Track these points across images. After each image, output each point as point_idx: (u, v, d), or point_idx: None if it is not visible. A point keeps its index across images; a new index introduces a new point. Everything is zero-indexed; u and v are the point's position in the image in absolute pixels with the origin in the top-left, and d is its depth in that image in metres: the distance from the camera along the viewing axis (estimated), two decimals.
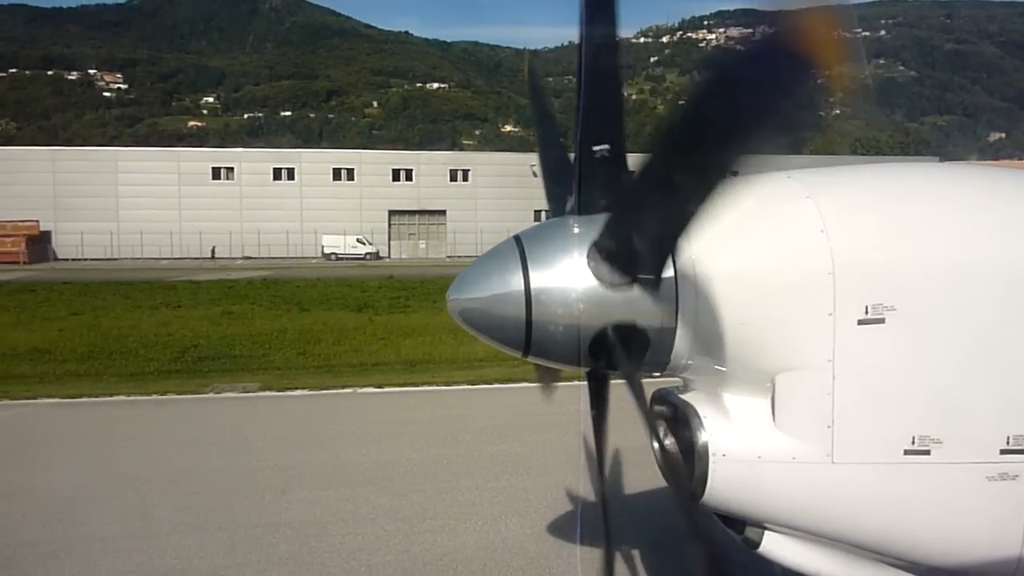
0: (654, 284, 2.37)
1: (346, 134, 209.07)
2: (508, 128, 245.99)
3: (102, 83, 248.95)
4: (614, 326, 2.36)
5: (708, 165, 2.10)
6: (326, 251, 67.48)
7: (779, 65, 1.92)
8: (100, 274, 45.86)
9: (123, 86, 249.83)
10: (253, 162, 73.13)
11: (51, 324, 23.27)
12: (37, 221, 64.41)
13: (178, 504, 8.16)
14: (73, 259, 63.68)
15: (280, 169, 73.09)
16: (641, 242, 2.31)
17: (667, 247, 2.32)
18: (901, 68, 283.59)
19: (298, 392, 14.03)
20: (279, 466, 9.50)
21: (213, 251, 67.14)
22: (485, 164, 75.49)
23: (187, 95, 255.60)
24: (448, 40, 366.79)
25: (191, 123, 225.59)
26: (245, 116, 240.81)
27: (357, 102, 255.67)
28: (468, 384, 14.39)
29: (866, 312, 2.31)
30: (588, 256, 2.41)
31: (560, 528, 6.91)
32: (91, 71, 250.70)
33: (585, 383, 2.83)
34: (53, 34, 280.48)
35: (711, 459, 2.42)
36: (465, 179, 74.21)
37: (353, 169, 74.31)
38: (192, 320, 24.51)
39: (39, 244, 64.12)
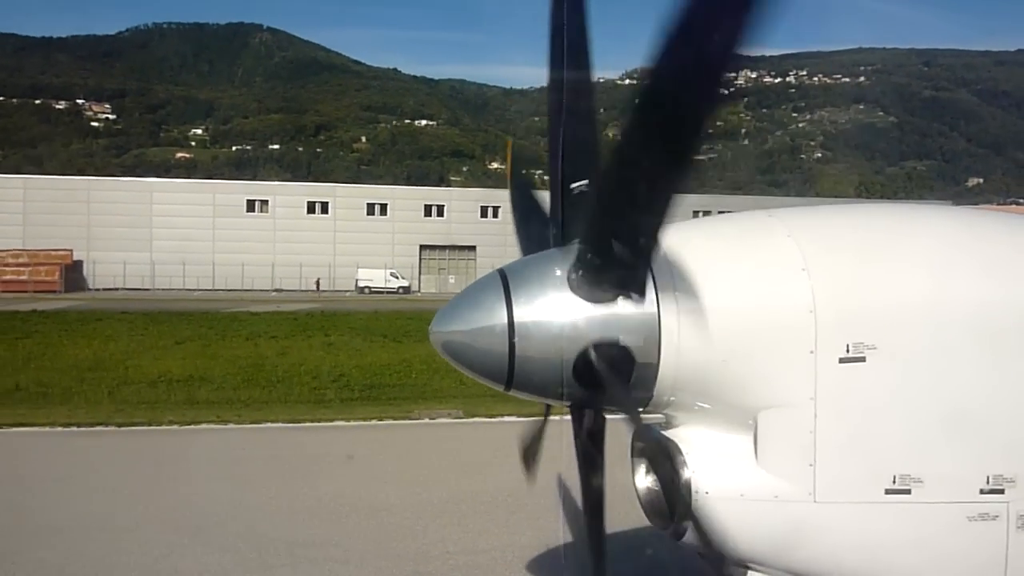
0: (634, 300, 2.37)
1: (334, 168, 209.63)
2: (495, 165, 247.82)
3: (90, 113, 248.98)
4: (596, 344, 2.34)
5: (648, 181, 2.11)
6: (360, 284, 67.79)
7: (690, 80, 1.90)
8: (142, 304, 45.82)
9: (111, 116, 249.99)
10: (288, 195, 74.26)
11: (171, 352, 23.69)
12: (71, 251, 64.63)
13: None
14: (106, 288, 63.79)
15: (314, 203, 74.14)
16: (610, 256, 2.30)
17: (636, 257, 2.30)
18: (880, 114, 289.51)
19: (509, 418, 13.63)
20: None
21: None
22: None
23: (175, 126, 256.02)
24: (435, 78, 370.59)
25: (179, 154, 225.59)
26: (233, 148, 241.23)
27: (345, 137, 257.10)
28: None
29: (847, 351, 2.31)
30: (568, 279, 2.40)
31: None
32: (79, 101, 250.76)
33: (569, 417, 2.80)
34: (42, 63, 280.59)
35: (694, 497, 2.41)
36: (495, 215, 74.32)
37: (386, 204, 75.58)
38: (304, 350, 24.78)
39: (73, 273, 64.29)
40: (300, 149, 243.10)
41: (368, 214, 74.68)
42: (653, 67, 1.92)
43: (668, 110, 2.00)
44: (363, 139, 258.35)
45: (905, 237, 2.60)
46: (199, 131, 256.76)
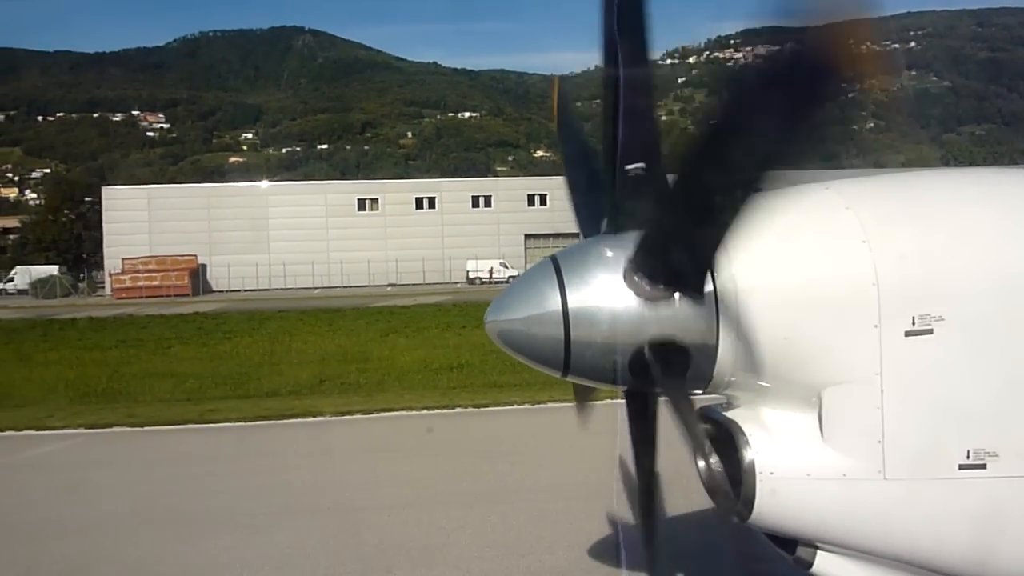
0: (693, 298, 2.36)
1: (382, 165, 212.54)
2: (540, 153, 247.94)
3: (145, 123, 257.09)
4: (653, 342, 2.35)
5: (738, 179, 2.12)
6: (470, 276, 69.21)
7: (807, 77, 1.90)
8: (277, 303, 46.28)
9: (165, 125, 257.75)
10: (396, 192, 76.34)
11: (398, 344, 23.17)
12: (195, 256, 67.70)
13: None
14: (226, 290, 66.25)
15: (422, 199, 76.15)
16: (676, 255, 2.33)
17: (702, 260, 2.31)
18: (934, 79, 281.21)
19: None
20: None
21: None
22: None
23: (226, 132, 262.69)
24: (476, 69, 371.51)
25: (231, 159, 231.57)
26: (283, 150, 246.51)
27: (391, 133, 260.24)
28: None
29: (913, 323, 2.25)
30: (624, 272, 2.41)
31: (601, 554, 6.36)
32: (134, 112, 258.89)
33: (624, 402, 2.80)
34: (97, 77, 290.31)
35: (758, 477, 2.37)
36: None
37: (490, 196, 77.38)
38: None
39: (197, 277, 67.31)
40: (348, 148, 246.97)
41: (473, 206, 76.52)
42: (757, 67, 2.00)
43: (763, 117, 2.00)
44: (408, 134, 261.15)
45: (968, 203, 2.52)
46: (249, 135, 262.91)
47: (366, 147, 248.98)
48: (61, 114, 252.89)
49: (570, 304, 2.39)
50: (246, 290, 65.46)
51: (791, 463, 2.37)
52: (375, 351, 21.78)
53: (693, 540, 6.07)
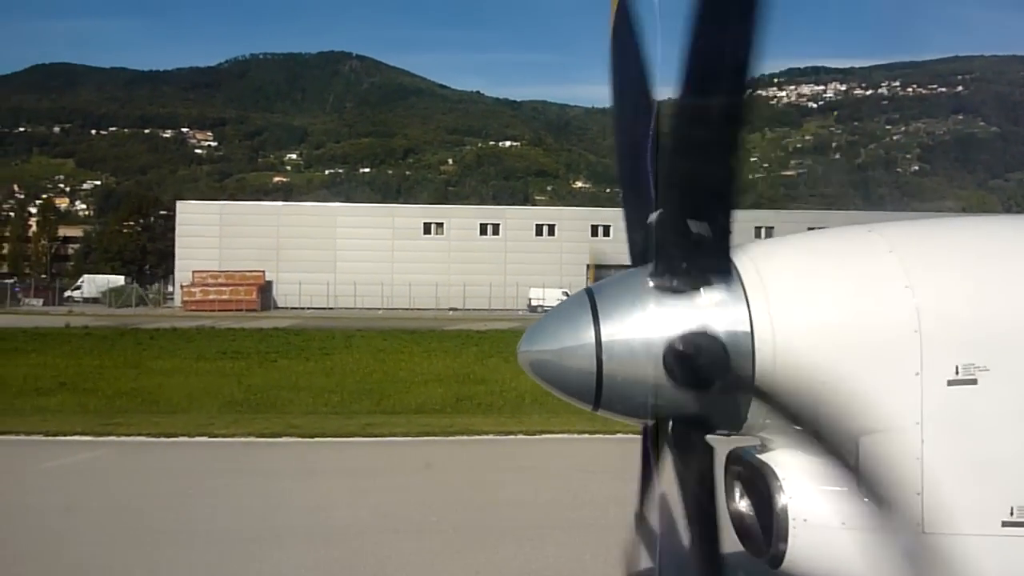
0: (724, 310, 2.30)
1: (423, 190, 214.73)
2: (579, 184, 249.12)
3: (194, 140, 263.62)
4: (685, 370, 2.29)
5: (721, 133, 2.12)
6: (532, 303, 68.85)
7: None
8: (344, 323, 46.71)
9: (213, 143, 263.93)
10: (461, 218, 77.32)
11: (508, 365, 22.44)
12: (263, 271, 68.94)
13: None
14: (292, 307, 67.21)
15: (486, 224, 77.06)
16: (692, 236, 2.27)
17: (719, 233, 2.25)
18: (982, 124, 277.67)
19: None
20: None
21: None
22: None
23: (272, 152, 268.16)
24: (517, 100, 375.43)
25: (276, 178, 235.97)
26: (326, 172, 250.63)
27: (433, 159, 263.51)
28: None
29: (957, 372, 2.19)
30: (651, 274, 2.40)
31: None
32: (184, 129, 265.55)
33: (658, 435, 2.65)
34: (150, 95, 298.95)
35: (791, 524, 2.30)
36: None
37: (554, 225, 78.05)
38: None
39: (265, 293, 68.69)
40: (390, 172, 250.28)
41: (536, 235, 77.14)
42: (684, 62, 2.02)
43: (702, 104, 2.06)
44: (449, 161, 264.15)
45: (1016, 251, 2.45)
46: (294, 156, 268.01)
47: (407, 172, 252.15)
48: (114, 129, 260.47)
49: (603, 337, 2.37)
50: (312, 308, 66.25)
51: (825, 511, 2.31)
52: (484, 373, 21.96)
53: None
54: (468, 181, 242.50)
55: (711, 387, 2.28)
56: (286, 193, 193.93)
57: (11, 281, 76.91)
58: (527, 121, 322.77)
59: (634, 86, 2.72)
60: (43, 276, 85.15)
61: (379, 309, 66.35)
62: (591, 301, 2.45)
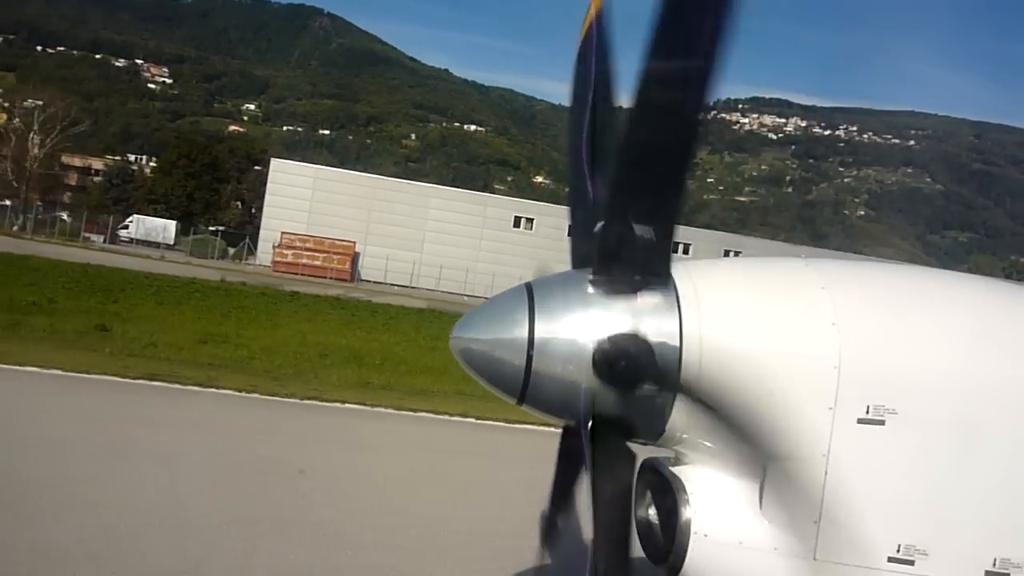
0: (656, 318, 2.34)
1: (382, 162, 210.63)
2: (540, 179, 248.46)
3: (148, 74, 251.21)
4: (612, 372, 2.32)
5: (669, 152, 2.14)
6: None
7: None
8: (439, 304, 46.31)
9: (168, 80, 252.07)
10: (552, 216, 75.75)
11: None
12: (354, 242, 67.19)
13: None
14: (375, 281, 65.53)
15: None
16: (627, 242, 2.29)
17: (652, 262, 2.32)
18: (928, 180, 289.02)
19: None
20: None
21: None
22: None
23: (229, 99, 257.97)
24: (485, 84, 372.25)
25: (232, 127, 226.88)
26: (284, 128, 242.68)
27: (395, 132, 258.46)
28: None
29: (867, 412, 2.26)
30: (590, 277, 2.40)
31: None
32: (138, 60, 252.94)
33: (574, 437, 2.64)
34: (104, 18, 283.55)
35: (692, 537, 2.36)
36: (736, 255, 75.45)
37: None
38: None
39: (354, 264, 67.31)
40: (350, 138, 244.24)
41: None
42: (644, 64, 2.01)
43: (656, 111, 2.08)
44: (412, 136, 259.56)
45: (941, 305, 2.51)
46: (252, 107, 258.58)
47: (368, 140, 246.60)
48: (62, 48, 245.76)
49: (537, 333, 2.40)
50: (396, 284, 65.08)
51: (726, 529, 2.40)
52: None
53: None
54: (430, 160, 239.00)
55: (636, 389, 2.33)
56: (241, 143, 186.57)
57: (64, 213, 75.04)
58: (493, 107, 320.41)
59: (593, 93, 2.71)
60: (38, 204, 78.45)
61: (463, 295, 64.99)
62: (529, 296, 2.47)
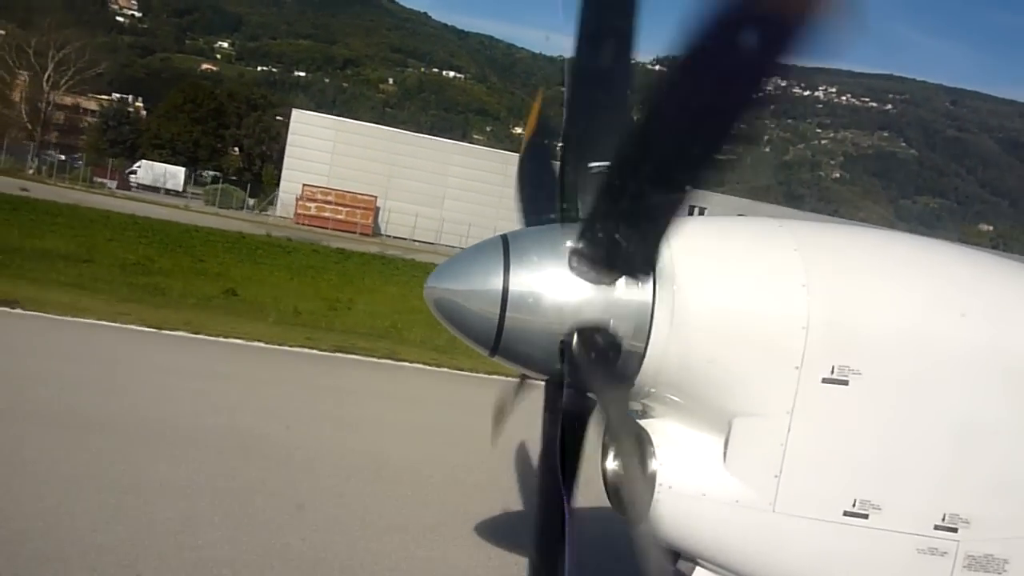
0: (631, 287, 2.38)
1: (359, 106, 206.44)
2: (519, 131, 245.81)
3: (115, 6, 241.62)
4: (583, 328, 2.36)
5: (679, 164, 2.10)
6: None
7: (751, 35, 1.83)
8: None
9: (137, 14, 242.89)
10: None
11: None
12: (376, 197, 65.13)
13: None
14: (396, 237, 63.72)
15: None
16: (617, 243, 2.31)
17: (643, 250, 2.33)
18: (903, 144, 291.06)
19: None
20: None
21: None
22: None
23: (202, 36, 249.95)
24: (465, 29, 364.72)
25: (204, 66, 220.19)
26: (259, 68, 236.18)
27: (373, 76, 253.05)
28: None
29: (832, 372, 2.33)
30: (570, 251, 2.41)
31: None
32: None
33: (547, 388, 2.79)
34: None
35: (657, 489, 2.43)
36: None
37: (705, 209, 77.88)
38: None
39: (376, 218, 65.57)
40: (327, 80, 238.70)
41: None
42: (688, 56, 1.87)
43: (698, 104, 1.98)
44: (390, 81, 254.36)
45: (909, 268, 2.59)
46: (225, 44, 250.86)
47: (345, 84, 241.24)
48: None
49: (511, 286, 2.42)
50: (416, 240, 63.66)
51: (689, 481, 2.45)
52: None
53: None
54: (408, 106, 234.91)
55: (608, 345, 2.37)
56: (215, 83, 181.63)
57: (76, 156, 72.52)
58: (472, 54, 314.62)
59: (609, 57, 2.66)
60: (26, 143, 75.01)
61: None
62: (505, 248, 2.49)
